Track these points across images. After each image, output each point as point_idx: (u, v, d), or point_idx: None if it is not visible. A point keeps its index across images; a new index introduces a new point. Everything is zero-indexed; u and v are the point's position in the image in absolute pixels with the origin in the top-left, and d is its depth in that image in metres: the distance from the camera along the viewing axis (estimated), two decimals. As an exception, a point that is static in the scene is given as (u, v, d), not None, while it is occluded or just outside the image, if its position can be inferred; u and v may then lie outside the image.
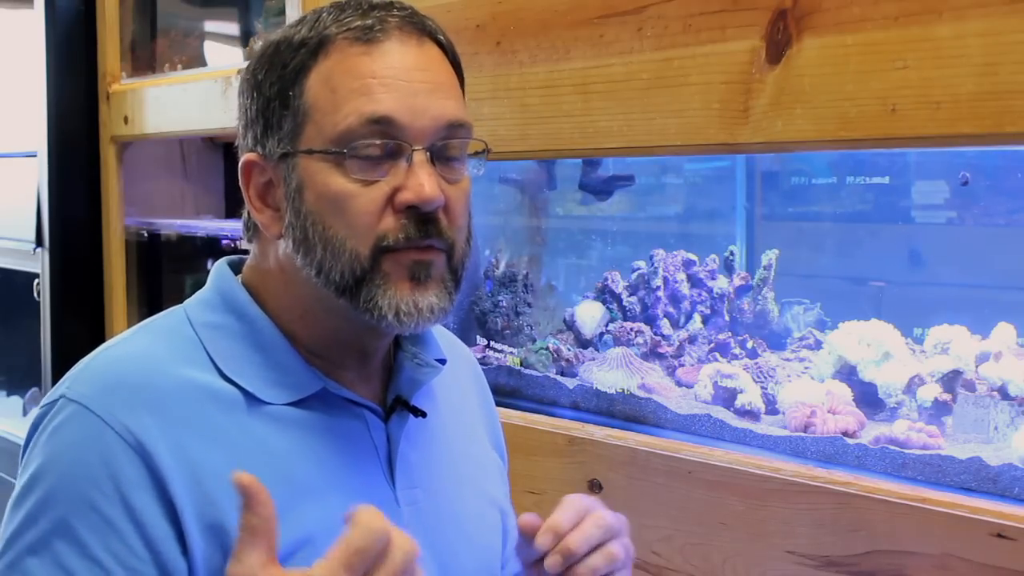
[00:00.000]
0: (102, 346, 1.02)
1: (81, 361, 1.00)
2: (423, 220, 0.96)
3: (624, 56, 1.47)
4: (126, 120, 2.67)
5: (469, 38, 1.69)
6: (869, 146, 1.31)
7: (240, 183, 1.02)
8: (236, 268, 1.07)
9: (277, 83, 0.98)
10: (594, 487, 1.57)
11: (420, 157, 0.96)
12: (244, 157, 1.02)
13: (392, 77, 0.95)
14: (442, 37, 1.01)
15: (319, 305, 1.00)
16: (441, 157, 0.98)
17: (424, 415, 1.05)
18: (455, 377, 1.16)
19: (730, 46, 1.35)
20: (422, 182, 0.95)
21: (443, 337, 1.19)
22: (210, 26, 3.10)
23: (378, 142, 0.95)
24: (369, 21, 0.97)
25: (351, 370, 1.03)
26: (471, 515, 1.09)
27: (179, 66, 2.76)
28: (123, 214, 2.76)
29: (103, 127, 2.76)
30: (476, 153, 1.03)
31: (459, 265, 1.00)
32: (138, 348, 1.00)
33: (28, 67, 2.85)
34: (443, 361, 1.10)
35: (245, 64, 1.04)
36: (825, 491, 1.31)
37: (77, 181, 2.78)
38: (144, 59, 2.83)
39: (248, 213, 1.04)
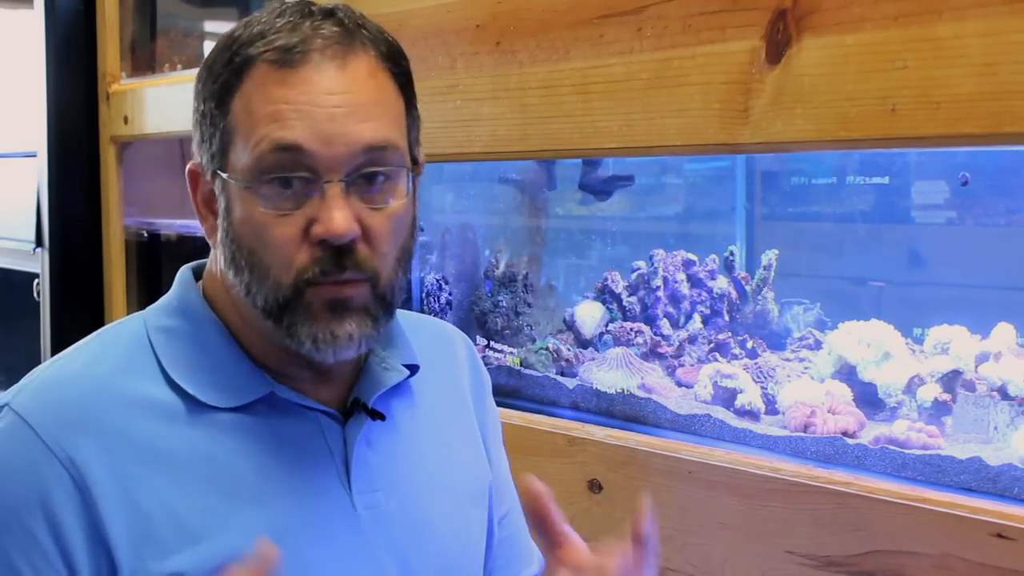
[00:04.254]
0: (56, 356, 1.02)
1: (34, 370, 1.01)
2: (338, 253, 0.94)
3: (624, 56, 1.47)
4: (126, 120, 2.67)
5: (469, 38, 1.69)
6: (869, 146, 1.31)
7: (188, 189, 1.02)
8: (200, 273, 1.07)
9: (209, 99, 0.97)
10: (594, 487, 1.57)
11: (333, 189, 0.93)
12: (188, 165, 1.01)
13: (305, 103, 0.92)
14: (380, 48, 0.97)
15: (261, 321, 0.98)
16: (359, 183, 0.95)
17: (383, 418, 1.03)
18: (436, 378, 1.14)
19: (730, 46, 1.35)
20: (332, 216, 0.92)
21: (431, 331, 1.17)
22: (210, 26, 3.11)
23: (288, 173, 0.93)
24: (294, 40, 0.93)
25: (314, 376, 1.02)
26: (444, 519, 1.06)
27: (179, 66, 2.76)
28: (123, 214, 2.76)
29: (103, 127, 2.76)
30: (416, 165, 1.00)
31: (387, 291, 0.97)
32: (87, 363, 1.00)
33: (28, 67, 2.85)
34: (414, 367, 1.08)
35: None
36: (825, 491, 1.31)
37: (77, 181, 2.78)
38: (144, 59, 2.83)
39: None
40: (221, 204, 0.97)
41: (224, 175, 0.96)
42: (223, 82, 0.96)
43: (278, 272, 0.94)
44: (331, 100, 0.93)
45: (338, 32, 0.95)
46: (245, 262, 0.96)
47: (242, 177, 0.94)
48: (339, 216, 0.92)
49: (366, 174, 0.95)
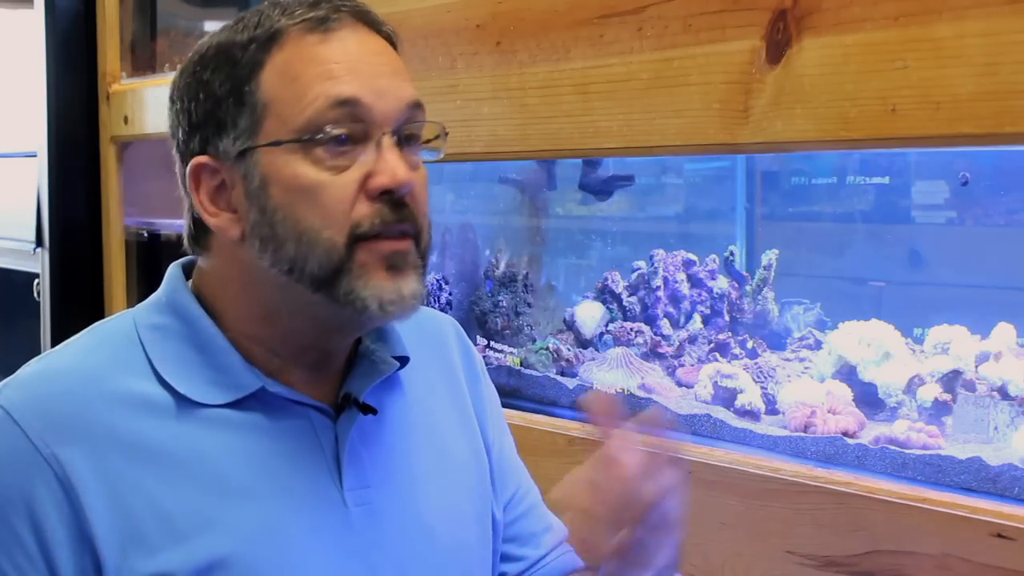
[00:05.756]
0: (45, 352, 1.02)
1: (23, 367, 1.00)
2: (396, 205, 0.95)
3: (624, 56, 1.47)
4: (126, 120, 2.67)
5: (469, 38, 1.69)
6: (869, 146, 1.31)
7: (188, 189, 1.00)
8: (190, 270, 1.06)
9: (228, 81, 0.97)
10: (594, 487, 1.57)
11: (389, 141, 0.95)
12: (193, 161, 0.99)
13: (354, 61, 0.95)
14: (387, 29, 1.02)
15: (285, 307, 0.98)
16: (405, 141, 0.98)
17: (374, 412, 1.03)
18: (426, 368, 1.13)
19: (730, 46, 1.35)
20: (394, 165, 0.95)
21: (415, 320, 1.13)
22: (210, 26, 3.11)
23: (346, 127, 0.94)
24: (321, 12, 0.96)
25: (307, 371, 1.02)
26: (437, 513, 1.06)
27: (179, 66, 2.76)
28: (123, 214, 2.76)
29: (103, 127, 2.76)
30: (434, 138, 1.02)
31: (426, 251, 1.00)
32: (76, 358, 0.99)
33: (28, 67, 2.85)
34: (405, 359, 1.08)
35: (180, 71, 1.02)
36: (825, 491, 1.31)
37: (77, 181, 2.78)
38: (144, 59, 2.83)
39: (191, 223, 1.03)
40: (254, 182, 0.96)
41: (262, 147, 0.95)
42: (248, 60, 0.96)
43: (331, 232, 0.94)
44: (376, 59, 0.97)
45: (356, 8, 0.99)
46: (291, 231, 0.94)
47: (295, 138, 0.94)
48: (400, 166, 0.95)
49: (408, 132, 0.98)
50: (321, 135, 0.94)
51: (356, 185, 0.94)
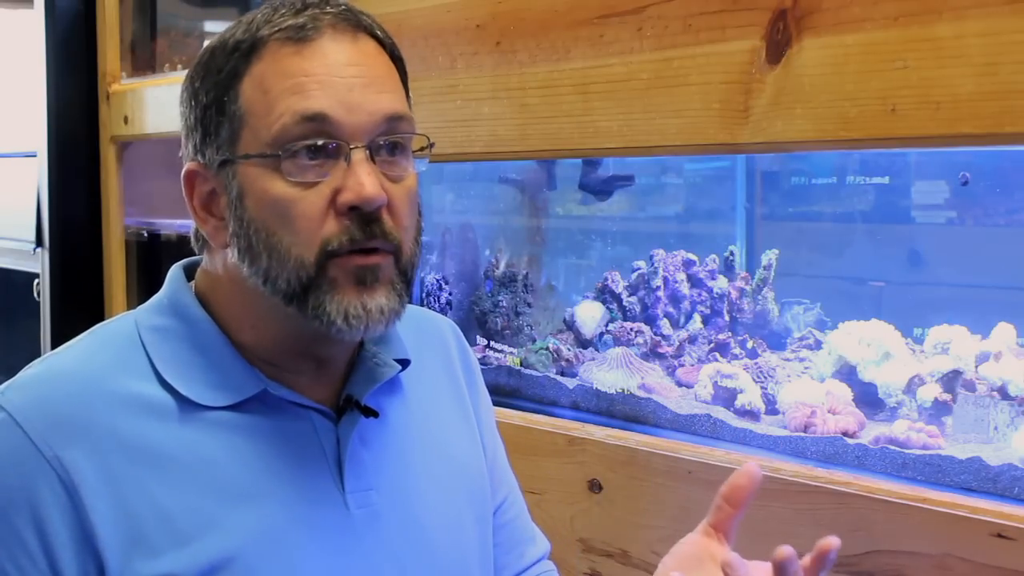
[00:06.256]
0: (46, 354, 1.02)
1: (25, 369, 1.00)
2: (366, 221, 0.94)
3: (624, 56, 1.47)
4: (126, 120, 2.67)
5: (469, 38, 1.69)
6: (869, 146, 1.31)
7: (184, 193, 1.01)
8: (192, 271, 1.06)
9: (212, 90, 0.97)
10: (594, 487, 1.57)
11: (359, 155, 0.94)
12: (185, 167, 1.00)
13: (325, 74, 0.94)
14: (379, 32, 1.00)
15: (270, 314, 0.98)
16: (382, 154, 0.96)
17: (376, 415, 1.03)
18: (427, 370, 1.13)
19: (730, 46, 1.35)
20: (362, 181, 0.93)
21: (414, 322, 1.15)
22: (210, 26, 3.11)
23: (313, 142, 0.93)
24: (301, 20, 0.95)
25: (306, 375, 1.02)
26: (437, 516, 1.06)
27: (179, 66, 2.76)
28: (123, 214, 2.76)
29: (103, 127, 2.76)
30: (421, 149, 1.00)
31: (408, 267, 0.98)
32: (78, 360, 0.99)
33: (28, 67, 2.85)
34: (406, 362, 1.08)
35: (186, 74, 1.03)
36: (825, 491, 1.31)
37: (77, 181, 2.78)
38: (144, 59, 2.83)
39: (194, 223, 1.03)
40: (232, 193, 0.96)
41: (239, 160, 0.95)
42: (229, 70, 0.96)
43: (300, 249, 0.94)
44: (349, 71, 0.95)
45: (343, 11, 0.97)
46: (264, 246, 0.95)
47: (263, 153, 0.94)
48: (368, 181, 0.93)
49: (386, 144, 0.96)
50: (285, 151, 0.93)
51: (325, 201, 0.94)
